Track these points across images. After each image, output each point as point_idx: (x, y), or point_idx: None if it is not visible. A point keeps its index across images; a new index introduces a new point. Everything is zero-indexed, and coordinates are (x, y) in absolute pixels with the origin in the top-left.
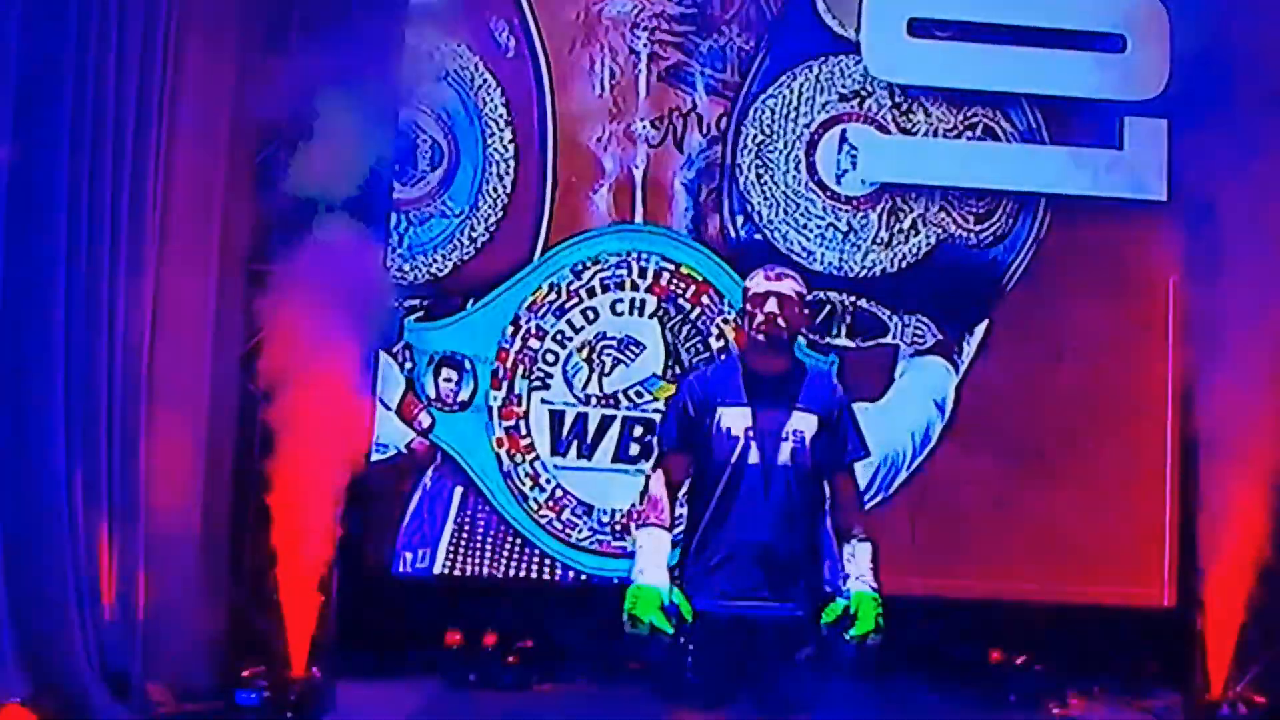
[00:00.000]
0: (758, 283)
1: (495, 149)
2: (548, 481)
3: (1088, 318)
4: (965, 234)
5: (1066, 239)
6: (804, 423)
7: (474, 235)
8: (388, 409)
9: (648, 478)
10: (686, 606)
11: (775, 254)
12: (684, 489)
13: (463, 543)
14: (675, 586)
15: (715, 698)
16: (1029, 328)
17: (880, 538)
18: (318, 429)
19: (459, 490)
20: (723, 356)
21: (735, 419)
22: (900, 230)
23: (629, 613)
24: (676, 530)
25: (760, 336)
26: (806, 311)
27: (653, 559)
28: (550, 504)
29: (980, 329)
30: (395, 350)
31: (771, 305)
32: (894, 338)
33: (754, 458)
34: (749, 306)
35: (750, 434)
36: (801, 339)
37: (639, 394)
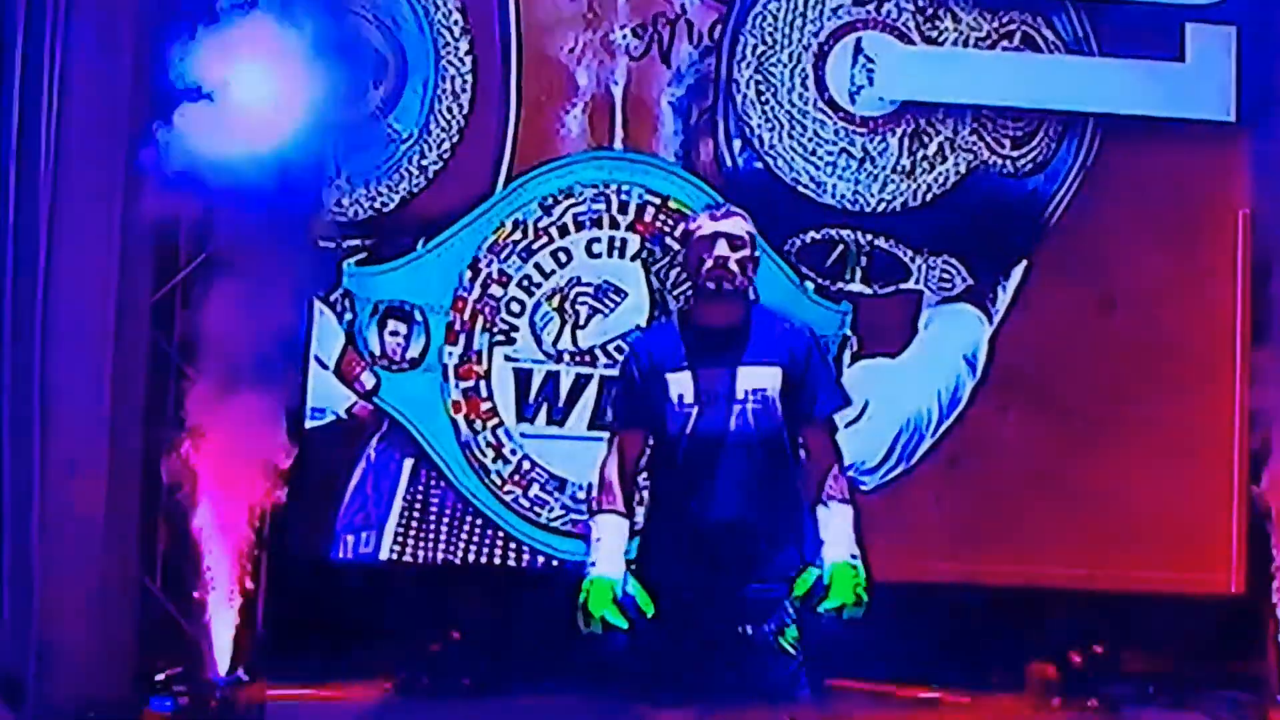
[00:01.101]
0: (703, 224)
1: (449, 62)
2: (513, 452)
3: (1144, 258)
4: (1001, 161)
5: (1119, 166)
6: (763, 378)
7: (425, 163)
8: (324, 368)
9: (600, 463)
10: (645, 598)
11: (778, 185)
12: (641, 468)
13: (413, 524)
14: (634, 577)
15: (688, 692)
16: (1075, 270)
17: (901, 516)
18: (242, 392)
19: (409, 463)
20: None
21: (684, 385)
22: (924, 157)
23: (581, 608)
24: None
25: (710, 284)
26: (758, 255)
27: (607, 548)
28: (516, 478)
29: (1018, 272)
30: (333, 298)
31: (721, 247)
32: (917, 283)
33: (705, 427)
34: (694, 252)
35: (696, 400)
36: (810, 284)
37: (620, 349)
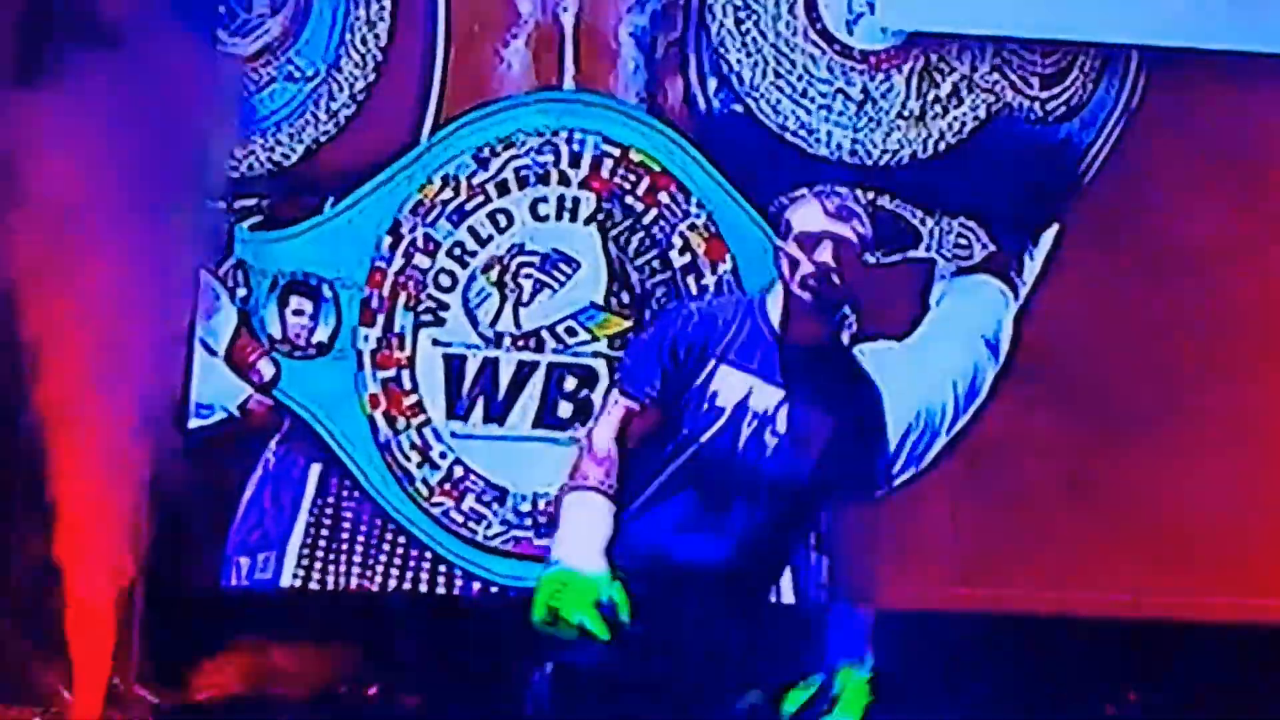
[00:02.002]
0: (812, 217)
1: None
2: (443, 456)
3: (1198, 219)
4: (1027, 104)
5: (1168, 110)
6: (816, 420)
7: (333, 107)
8: (212, 354)
9: (591, 428)
10: (626, 605)
11: (761, 132)
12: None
13: (321, 543)
14: (619, 582)
15: None
16: (1116, 234)
17: (910, 530)
18: (112, 387)
19: (315, 469)
20: (690, 283)
21: (735, 387)
22: (937, 99)
23: (548, 605)
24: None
25: (805, 294)
26: (867, 263)
27: (587, 535)
28: (447, 487)
29: (1048, 237)
30: (223, 270)
31: (825, 252)
32: (929, 249)
33: (736, 446)
34: (793, 249)
35: (750, 414)
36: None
37: (571, 331)
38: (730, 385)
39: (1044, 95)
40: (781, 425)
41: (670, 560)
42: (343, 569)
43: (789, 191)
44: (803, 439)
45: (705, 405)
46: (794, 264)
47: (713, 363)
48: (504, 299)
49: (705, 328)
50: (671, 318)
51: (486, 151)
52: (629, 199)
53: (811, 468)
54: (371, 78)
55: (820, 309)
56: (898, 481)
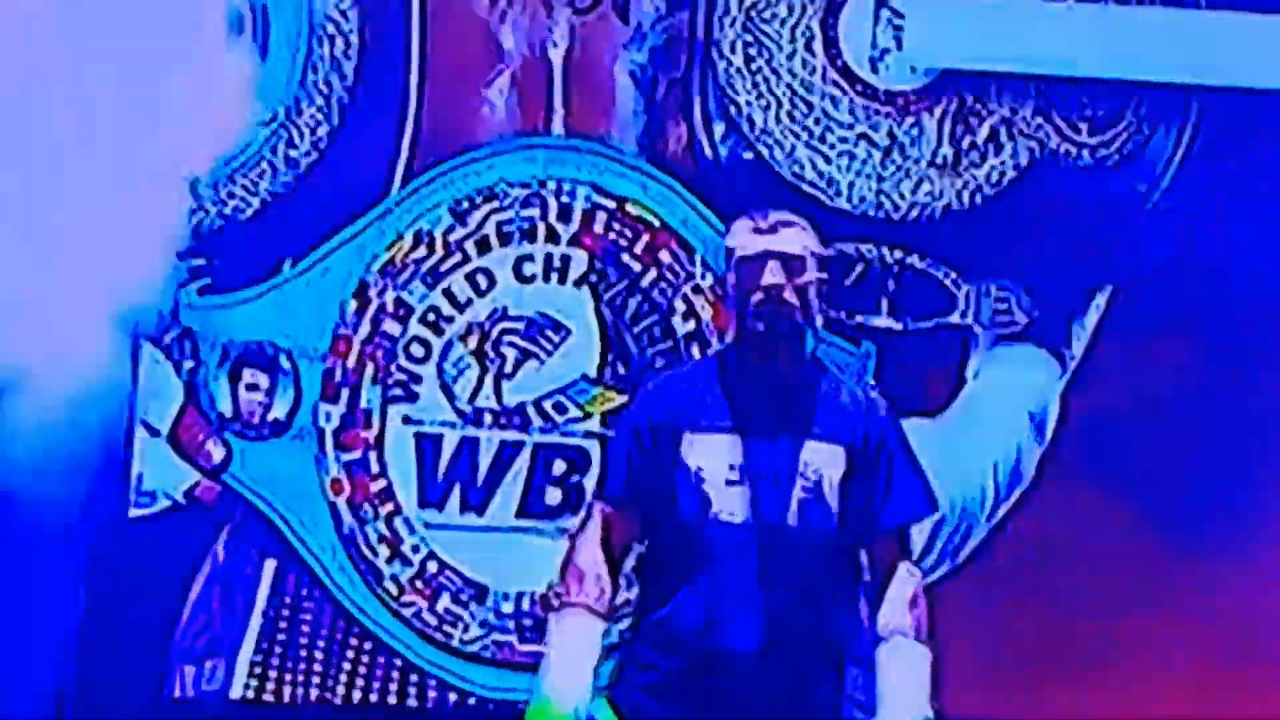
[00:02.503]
0: (745, 238)
1: (328, 14)
2: (415, 549)
3: (1272, 280)
4: (1075, 151)
5: (1239, 156)
6: (824, 458)
7: (293, 155)
8: (154, 434)
9: (573, 539)
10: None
11: (775, 183)
12: (630, 562)
13: (278, 649)
14: (603, 698)
15: None
16: (1178, 298)
17: (946, 635)
18: (39, 468)
19: (270, 565)
20: (695, 353)
21: (713, 453)
22: (973, 145)
23: None
24: (619, 624)
25: (758, 324)
26: (824, 278)
27: (570, 657)
28: (419, 585)
29: (1100, 301)
30: (167, 339)
31: (772, 273)
32: (964, 316)
33: (740, 514)
34: (736, 276)
35: (736, 476)
36: (818, 318)
37: (560, 408)
38: (710, 453)
39: (1094, 141)
40: (785, 477)
41: (703, 653)
42: (301, 678)
43: None
44: (815, 480)
45: (693, 481)
46: (742, 293)
47: (686, 435)
48: (484, 371)
49: (666, 399)
50: (637, 402)
51: (465, 204)
52: (625, 258)
53: (829, 507)
54: (335, 122)
55: (778, 338)
56: (931, 578)
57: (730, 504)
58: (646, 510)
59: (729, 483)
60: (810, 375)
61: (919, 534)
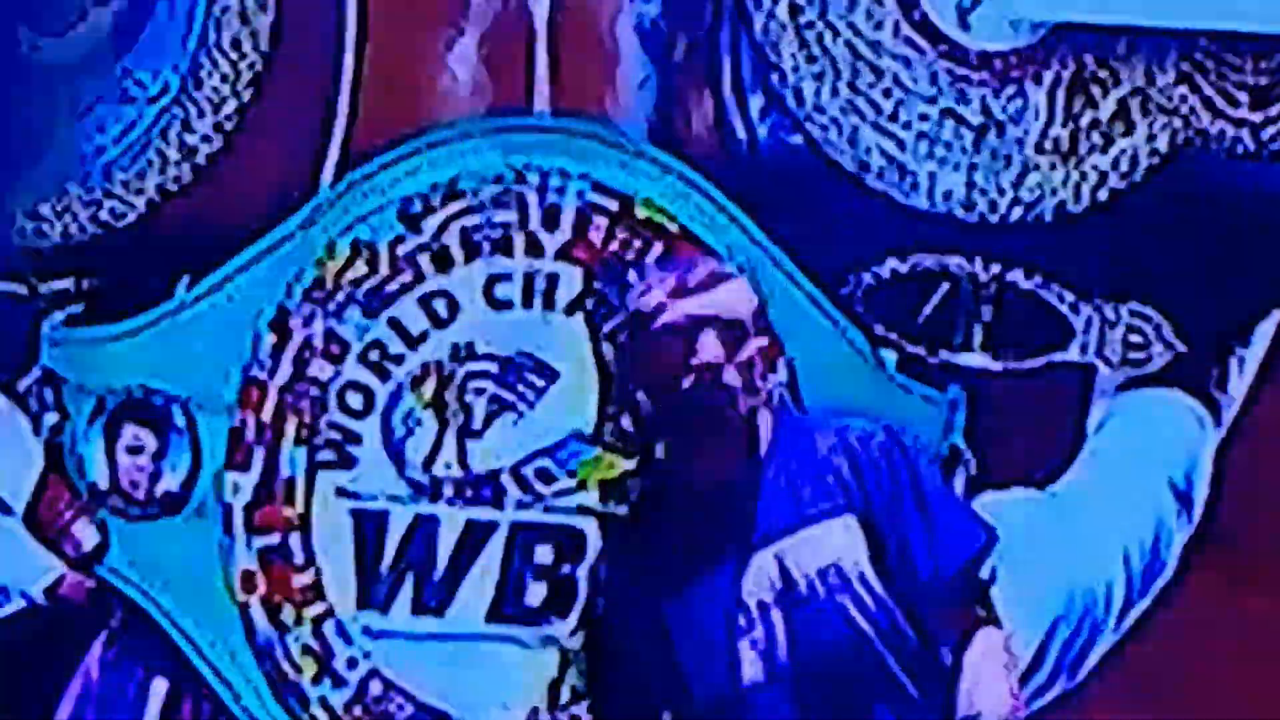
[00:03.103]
0: (659, 299)
1: None
2: (352, 665)
3: None
4: (1231, 130)
5: None
6: (830, 546)
7: (189, 140)
8: (5, 512)
9: None
10: None
11: (831, 175)
12: None
13: None
14: None
15: None
16: None
17: None
18: None
19: (159, 685)
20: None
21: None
22: (1095, 124)
23: None
24: None
25: (696, 416)
26: (778, 346)
27: None
28: (359, 713)
29: (1265, 331)
30: (23, 385)
31: (708, 345)
32: (1084, 350)
33: (749, 672)
34: (654, 354)
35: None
36: (891, 355)
37: (545, 476)
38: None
39: (1256, 118)
40: (800, 586)
41: None
42: None
43: (873, 263)
44: (836, 577)
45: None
46: (669, 378)
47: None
48: (444, 427)
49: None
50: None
51: (418, 205)
52: (632, 276)
53: (868, 597)
54: (247, 96)
55: (729, 434)
56: (1042, 701)
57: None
58: None
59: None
60: (774, 453)
61: (1031, 640)
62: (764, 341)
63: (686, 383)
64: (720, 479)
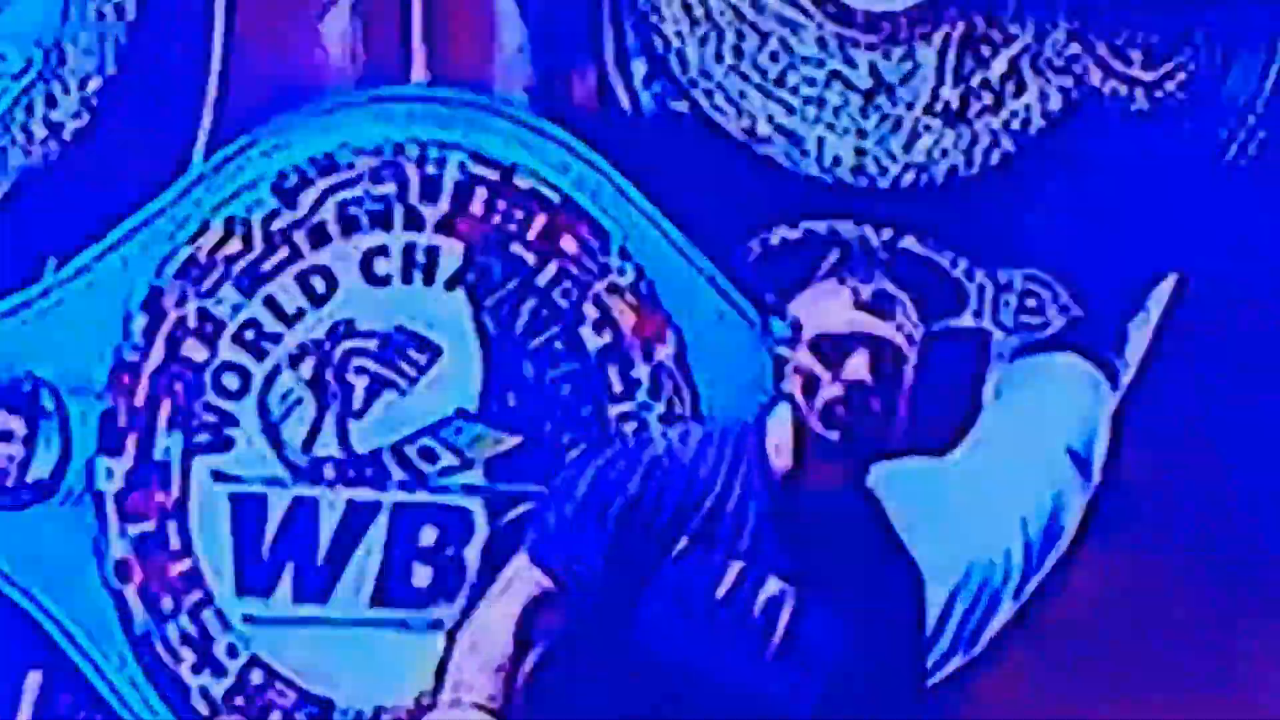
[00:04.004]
0: (835, 311)
1: None
2: (232, 653)
3: None
4: (1124, 89)
5: None
6: (835, 630)
7: (54, 117)
8: None
9: (480, 612)
10: None
11: (718, 142)
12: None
13: None
14: None
15: None
16: (1270, 289)
17: None
18: None
19: (32, 679)
20: (612, 376)
21: (714, 575)
22: (986, 84)
23: None
24: None
25: (831, 432)
26: (914, 367)
27: None
28: (240, 702)
29: (1161, 293)
30: None
31: (858, 365)
32: (979, 317)
33: (717, 659)
34: (808, 360)
35: (735, 614)
36: (780, 323)
37: (429, 455)
38: (706, 573)
39: (1149, 75)
40: (778, 631)
41: None
42: None
43: (763, 232)
44: (807, 653)
45: (670, 601)
46: (811, 384)
47: (685, 542)
48: (323, 407)
49: (676, 486)
50: (623, 465)
51: (294, 180)
52: (515, 248)
53: (816, 696)
54: (113, 69)
55: (850, 453)
56: (939, 675)
57: (705, 646)
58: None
59: (713, 619)
60: (851, 516)
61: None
62: (909, 367)
63: (830, 391)
64: (831, 488)
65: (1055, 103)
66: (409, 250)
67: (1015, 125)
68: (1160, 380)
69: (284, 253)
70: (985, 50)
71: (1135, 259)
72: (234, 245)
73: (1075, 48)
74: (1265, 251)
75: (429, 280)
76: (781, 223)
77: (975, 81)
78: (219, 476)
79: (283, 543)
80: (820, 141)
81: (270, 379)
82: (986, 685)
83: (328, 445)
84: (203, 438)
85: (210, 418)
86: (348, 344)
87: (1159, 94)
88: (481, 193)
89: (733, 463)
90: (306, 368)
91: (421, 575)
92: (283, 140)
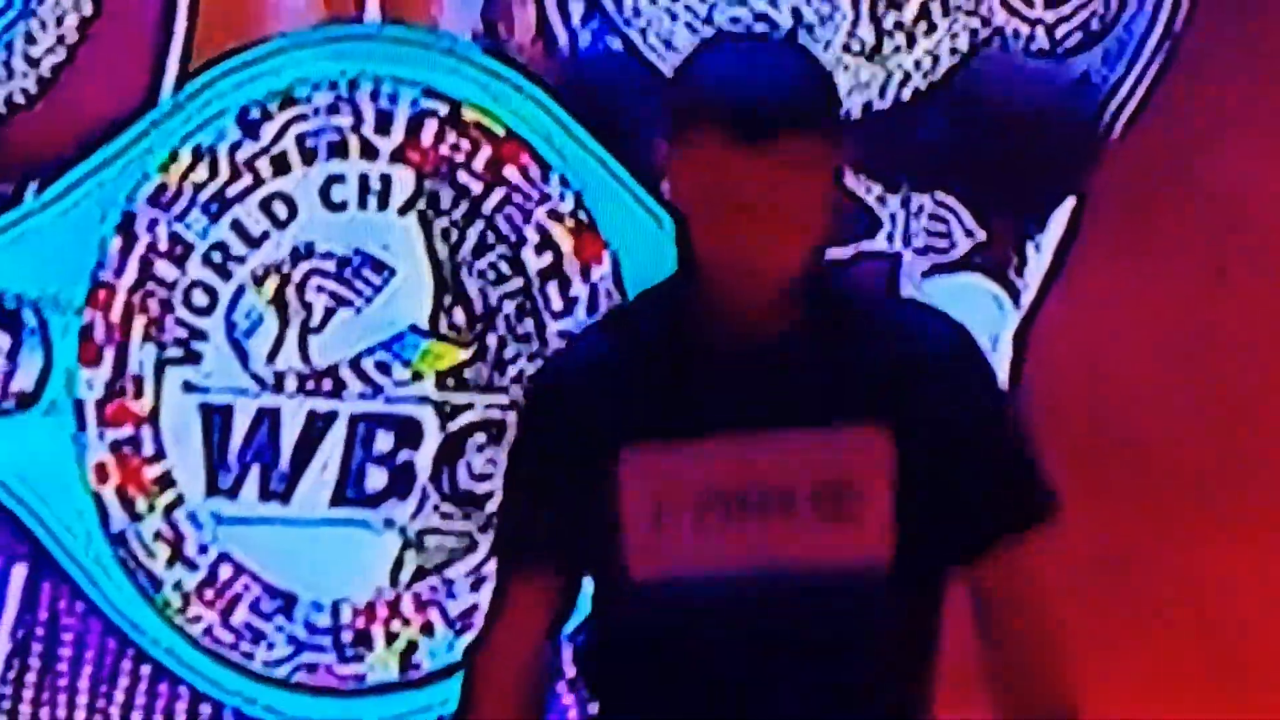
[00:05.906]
0: (716, 154)
1: None
2: (203, 550)
3: (1271, 186)
4: (1026, 29)
5: (1231, 35)
6: (860, 456)
7: (33, 53)
8: None
9: (471, 654)
10: None
11: (650, 78)
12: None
13: (30, 676)
14: None
15: None
16: (1157, 213)
17: None
18: None
19: (18, 572)
20: (554, 297)
21: (665, 473)
22: (898, 25)
23: None
24: None
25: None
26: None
27: None
28: (210, 595)
29: (1059, 218)
30: None
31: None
32: (890, 240)
33: (724, 584)
34: (683, 169)
35: (708, 505)
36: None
37: (383, 368)
38: (660, 474)
39: (1050, 16)
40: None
41: None
42: (62, 712)
43: None
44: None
45: (637, 525)
46: (699, 191)
47: (622, 453)
48: (285, 324)
49: (581, 396)
50: (534, 399)
51: (256, 113)
52: (463, 176)
53: (882, 544)
54: (89, 10)
55: (768, 275)
56: None
57: (701, 551)
58: (572, 569)
59: (696, 517)
60: (821, 321)
61: None
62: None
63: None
64: (765, 337)
65: (963, 42)
66: (364, 179)
67: (927, 63)
68: (1061, 298)
69: (248, 180)
70: None
71: (1035, 185)
72: (201, 173)
73: None
74: (1158, 179)
75: (383, 206)
76: None
77: (888, 23)
78: (189, 387)
79: (249, 448)
80: None
81: (236, 297)
82: None
83: (289, 359)
84: (174, 352)
85: (181, 333)
86: (307, 265)
87: (1058, 34)
88: (432, 125)
89: (646, 337)
90: (270, 287)
91: (377, 478)
92: (246, 76)
